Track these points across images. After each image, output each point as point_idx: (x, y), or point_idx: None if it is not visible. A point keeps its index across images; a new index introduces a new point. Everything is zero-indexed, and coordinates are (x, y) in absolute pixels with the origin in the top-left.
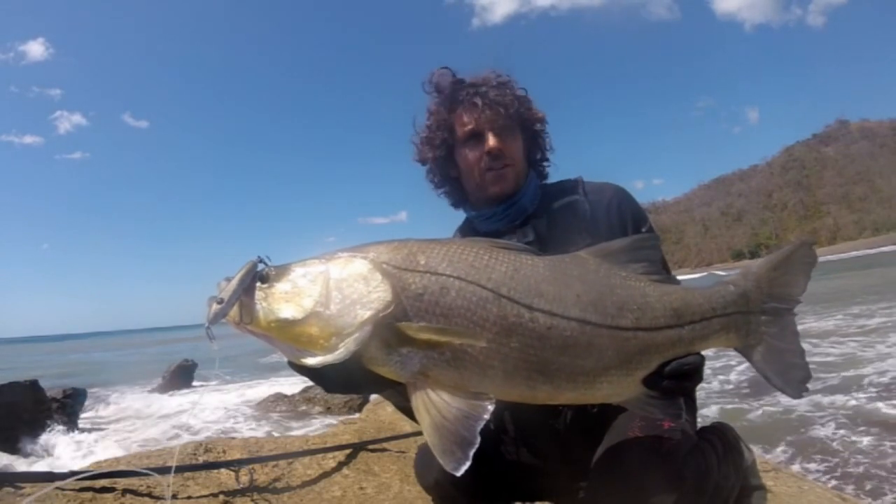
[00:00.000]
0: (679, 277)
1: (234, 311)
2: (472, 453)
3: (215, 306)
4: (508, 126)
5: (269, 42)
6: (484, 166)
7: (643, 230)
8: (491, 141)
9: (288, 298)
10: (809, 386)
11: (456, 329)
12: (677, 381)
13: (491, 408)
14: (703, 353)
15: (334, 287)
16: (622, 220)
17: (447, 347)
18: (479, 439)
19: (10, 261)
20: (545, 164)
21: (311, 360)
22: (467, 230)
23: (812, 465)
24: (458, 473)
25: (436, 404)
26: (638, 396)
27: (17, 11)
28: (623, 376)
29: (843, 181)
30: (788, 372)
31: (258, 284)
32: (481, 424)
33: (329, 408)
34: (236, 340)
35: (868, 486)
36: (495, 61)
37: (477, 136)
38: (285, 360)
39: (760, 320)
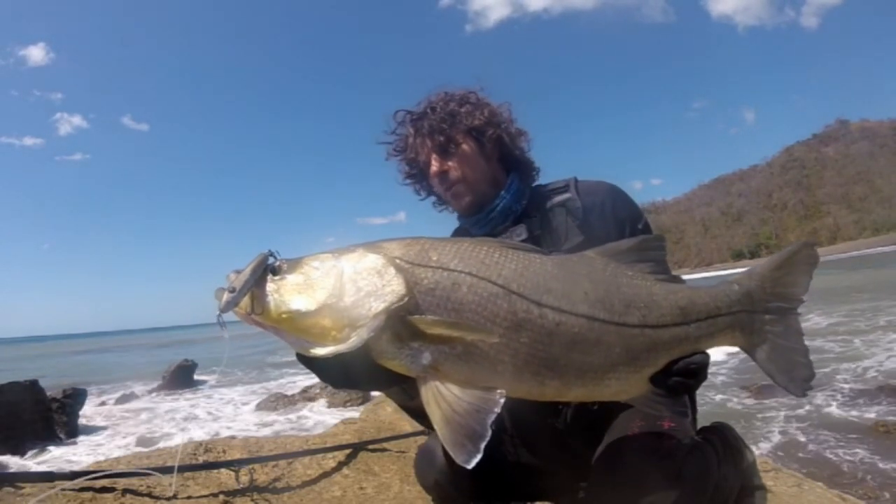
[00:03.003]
0: (683, 277)
1: (245, 302)
2: (483, 446)
3: (227, 295)
4: (446, 145)
5: (268, 46)
6: (443, 189)
7: (639, 227)
8: (433, 167)
9: (300, 290)
10: (813, 384)
11: (468, 324)
12: (683, 379)
13: (502, 401)
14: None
15: (348, 280)
16: (617, 218)
17: (458, 342)
18: (489, 432)
19: (11, 261)
20: (527, 160)
21: (321, 351)
22: (462, 234)
23: (811, 464)
24: (470, 466)
25: (446, 398)
26: (645, 394)
27: (17, 17)
28: (631, 373)
29: (843, 181)
30: (792, 370)
31: (269, 276)
32: (492, 417)
33: (329, 407)
34: (238, 341)
35: (868, 486)
36: (484, 63)
37: (427, 164)
38: (286, 359)
39: (765, 319)
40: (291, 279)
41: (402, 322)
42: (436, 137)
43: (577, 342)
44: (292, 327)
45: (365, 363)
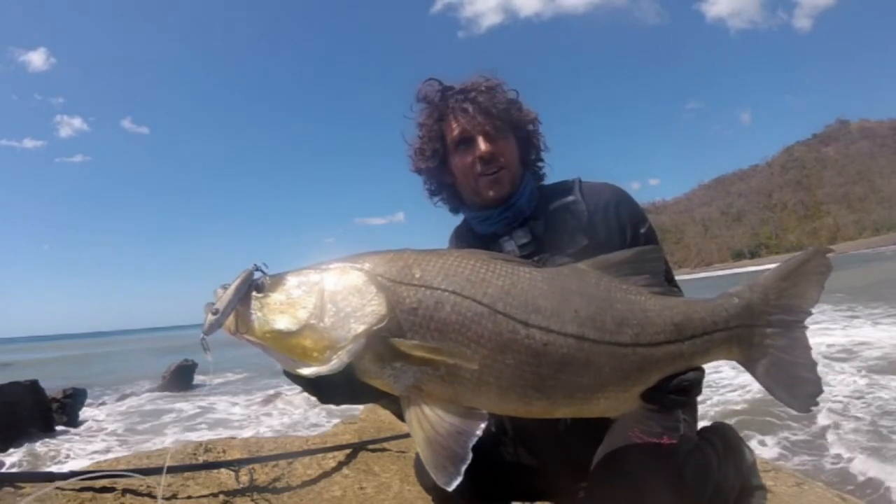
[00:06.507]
0: (680, 289)
1: (231, 321)
2: (463, 469)
3: (211, 316)
4: (499, 129)
5: (265, 49)
6: (477, 171)
7: (642, 231)
8: (482, 146)
9: (283, 309)
10: (819, 400)
11: (449, 349)
12: (676, 396)
13: (483, 424)
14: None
15: (329, 299)
16: (620, 221)
17: (441, 364)
18: (471, 455)
19: (11, 261)
20: (540, 164)
21: (305, 371)
22: (464, 232)
23: (811, 464)
24: (450, 488)
25: (429, 419)
26: (635, 411)
27: (18, 23)
28: (621, 392)
29: (843, 181)
30: (796, 386)
31: (254, 294)
32: (474, 440)
33: (328, 407)
34: (235, 343)
35: (868, 487)
36: (484, 67)
37: (468, 142)
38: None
39: (766, 333)
40: (274, 297)
41: (383, 343)
42: (491, 118)
43: (565, 363)
44: (276, 346)
45: (350, 380)
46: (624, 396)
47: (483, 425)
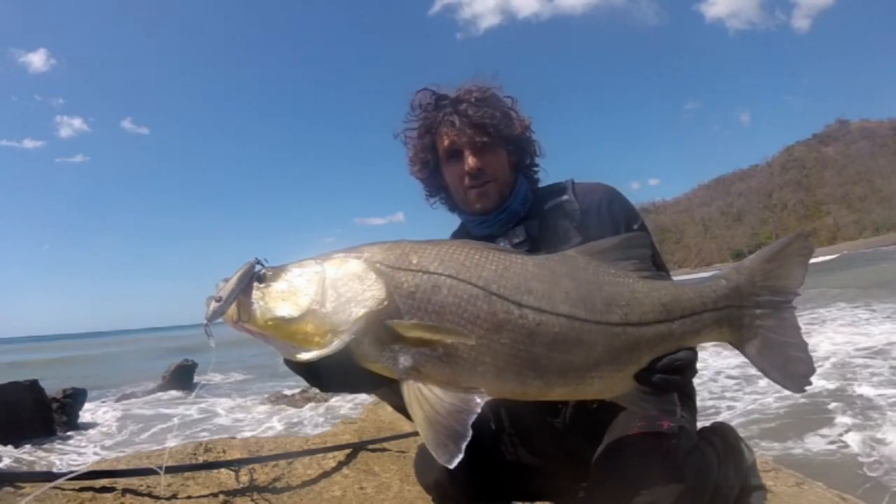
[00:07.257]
0: (669, 275)
1: (233, 310)
2: (464, 446)
3: (214, 304)
4: (488, 142)
5: (266, 49)
6: (466, 184)
7: (634, 227)
8: (469, 161)
9: (285, 297)
10: (813, 380)
11: (446, 327)
12: (668, 376)
13: (481, 401)
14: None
15: (330, 286)
16: (613, 218)
17: (438, 344)
18: (471, 432)
19: (11, 261)
20: (535, 169)
21: (305, 355)
22: (462, 235)
23: (811, 465)
24: (452, 466)
25: (428, 399)
26: (630, 392)
27: (17, 24)
28: (614, 372)
29: (843, 181)
30: (788, 366)
31: (255, 284)
32: (473, 418)
33: (329, 407)
34: (238, 344)
35: (868, 486)
36: (481, 71)
37: (456, 155)
38: (282, 360)
39: (755, 314)
40: (276, 286)
41: (382, 326)
42: (478, 131)
43: (558, 342)
44: (278, 333)
45: (350, 367)
46: (617, 377)
47: (482, 403)
